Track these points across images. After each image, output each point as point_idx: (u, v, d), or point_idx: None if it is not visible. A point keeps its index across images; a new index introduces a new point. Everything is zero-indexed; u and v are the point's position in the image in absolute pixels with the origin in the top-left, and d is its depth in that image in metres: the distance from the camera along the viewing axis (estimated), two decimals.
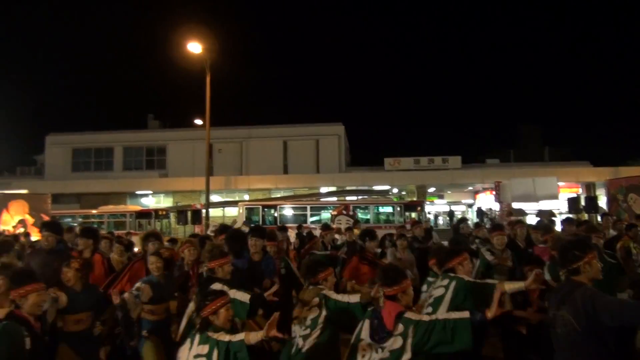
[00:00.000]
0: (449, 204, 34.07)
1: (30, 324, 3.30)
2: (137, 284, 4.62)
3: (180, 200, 30.75)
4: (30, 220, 11.90)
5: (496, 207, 23.89)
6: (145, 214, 23.74)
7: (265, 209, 23.61)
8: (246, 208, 23.59)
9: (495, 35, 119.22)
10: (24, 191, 14.12)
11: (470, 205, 34.20)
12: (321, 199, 27.19)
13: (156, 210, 24.17)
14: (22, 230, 10.59)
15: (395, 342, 3.01)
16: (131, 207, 26.61)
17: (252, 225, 8.51)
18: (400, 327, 3.04)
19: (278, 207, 23.53)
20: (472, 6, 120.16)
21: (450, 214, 29.70)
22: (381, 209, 23.54)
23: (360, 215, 22.05)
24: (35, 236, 9.38)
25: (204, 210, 20.53)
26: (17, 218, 11.24)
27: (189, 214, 21.80)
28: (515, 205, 19.64)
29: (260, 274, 5.17)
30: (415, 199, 27.37)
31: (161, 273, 4.80)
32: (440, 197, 35.16)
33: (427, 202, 29.59)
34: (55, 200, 22.94)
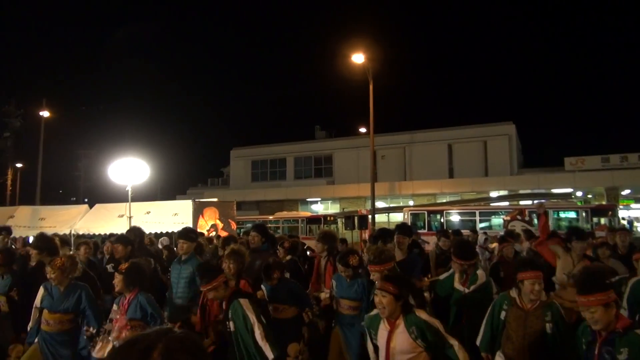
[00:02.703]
0: None
1: None
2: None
3: (347, 206, 31.81)
4: (219, 224, 13.31)
5: None
6: (315, 220, 25.21)
7: (431, 215, 23.02)
8: (411, 214, 23.33)
9: None
10: (214, 199, 15.96)
11: None
12: (491, 204, 25.58)
13: (325, 216, 25.52)
14: (214, 233, 11.95)
15: None
16: (303, 213, 28.55)
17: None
18: None
19: (444, 212, 22.76)
20: None
21: None
22: (562, 214, 21.10)
23: (537, 220, 20.07)
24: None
25: (369, 216, 20.90)
26: (210, 223, 12.70)
27: (356, 219, 22.40)
28: None
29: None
30: (604, 202, 24.04)
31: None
32: (638, 200, 30.30)
33: (621, 207, 25.73)
34: (238, 207, 25.69)
